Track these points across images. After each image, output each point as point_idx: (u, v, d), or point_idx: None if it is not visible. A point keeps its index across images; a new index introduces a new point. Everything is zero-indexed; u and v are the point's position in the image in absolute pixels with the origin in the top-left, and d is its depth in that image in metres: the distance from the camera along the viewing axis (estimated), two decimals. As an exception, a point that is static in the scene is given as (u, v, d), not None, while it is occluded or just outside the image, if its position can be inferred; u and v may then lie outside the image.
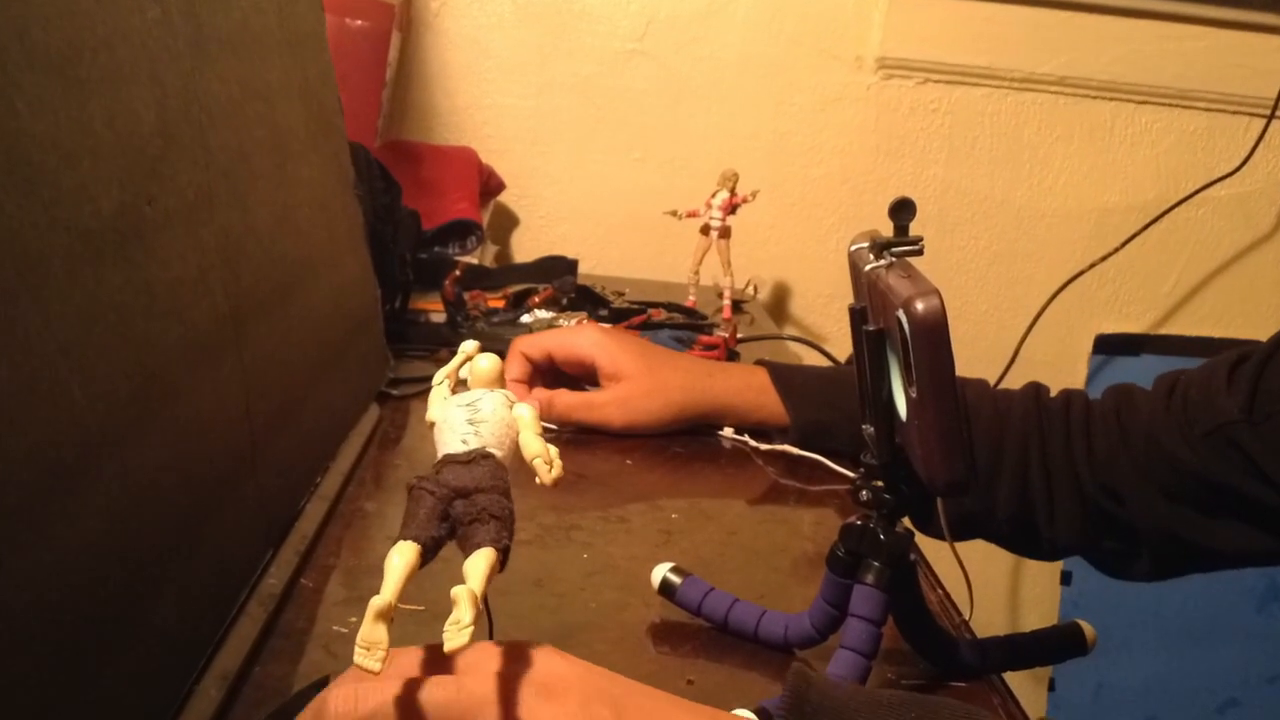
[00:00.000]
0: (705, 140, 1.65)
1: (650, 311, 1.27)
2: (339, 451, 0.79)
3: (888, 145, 1.68)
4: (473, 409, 0.44)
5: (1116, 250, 1.69)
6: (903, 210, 0.53)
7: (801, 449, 0.92)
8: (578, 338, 0.96)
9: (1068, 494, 0.79)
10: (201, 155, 0.56)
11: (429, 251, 1.36)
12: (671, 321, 1.27)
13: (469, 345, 0.48)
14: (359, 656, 0.36)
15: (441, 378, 0.48)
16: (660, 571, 0.65)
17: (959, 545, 0.73)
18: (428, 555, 0.40)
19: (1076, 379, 1.76)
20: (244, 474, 0.58)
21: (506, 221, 1.67)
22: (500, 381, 0.47)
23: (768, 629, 0.61)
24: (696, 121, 1.65)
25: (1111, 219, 1.72)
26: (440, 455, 0.44)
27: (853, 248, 0.56)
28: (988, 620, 1.76)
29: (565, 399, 0.93)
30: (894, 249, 0.52)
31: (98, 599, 0.41)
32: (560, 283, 1.28)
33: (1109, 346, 1.77)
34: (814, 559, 0.74)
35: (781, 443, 0.93)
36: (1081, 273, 1.70)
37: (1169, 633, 1.81)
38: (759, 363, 0.97)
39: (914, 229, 0.53)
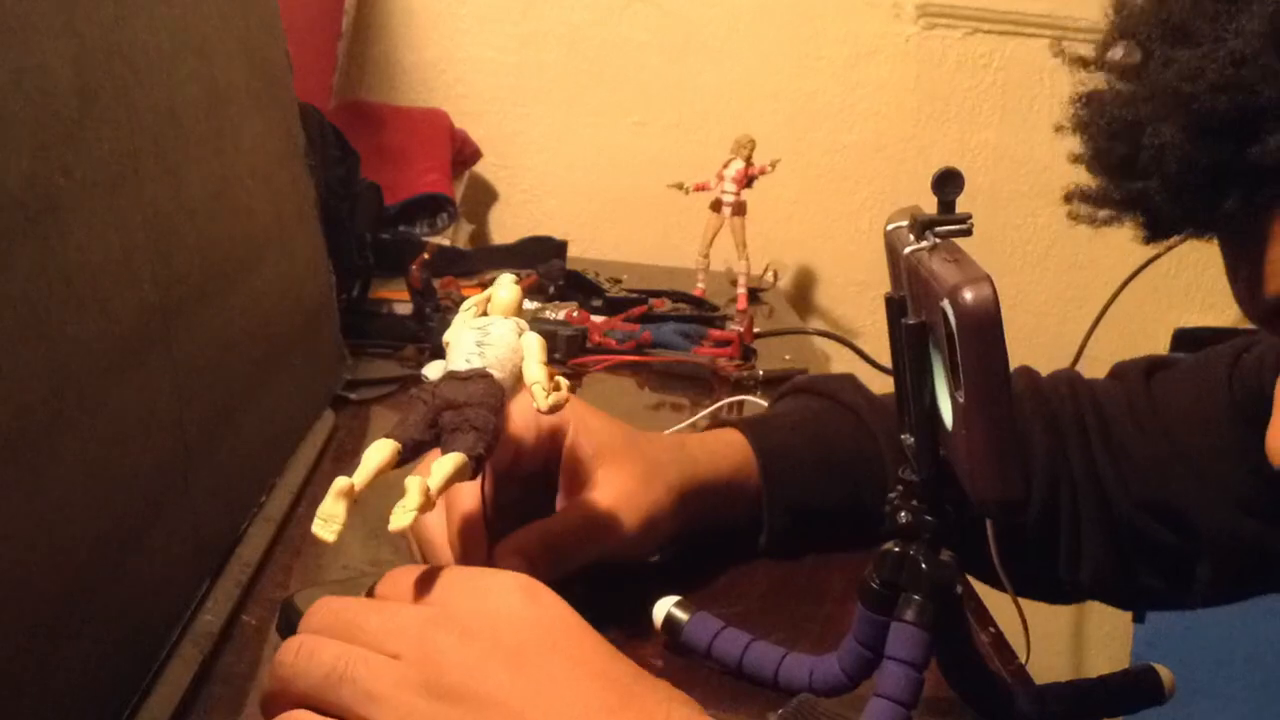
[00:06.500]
0: (716, 101, 1.65)
1: (652, 302, 1.28)
2: (286, 466, 0.79)
3: (930, 107, 1.69)
4: (483, 332, 0.55)
5: (1198, 230, 1.69)
6: (948, 183, 0.53)
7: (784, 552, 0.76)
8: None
9: (1094, 516, 0.78)
10: (126, 118, 0.56)
11: (392, 231, 1.36)
12: (677, 313, 1.27)
13: (506, 278, 0.58)
14: (316, 526, 0.45)
15: (469, 305, 0.58)
16: (664, 607, 0.65)
17: (1013, 576, 0.73)
18: (406, 455, 0.50)
19: (1151, 381, 1.77)
20: (175, 492, 0.58)
21: (483, 196, 1.67)
22: (518, 311, 0.57)
23: (790, 674, 0.61)
24: (706, 79, 1.65)
25: (1192, 193, 1.71)
26: (446, 371, 0.54)
27: (889, 227, 0.57)
28: (1047, 664, 1.76)
29: (556, 525, 0.66)
30: (938, 229, 0.53)
31: (1, 639, 0.41)
32: (547, 268, 1.28)
33: (1189, 342, 1.77)
34: (844, 592, 0.74)
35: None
36: (1157, 256, 1.69)
37: (1260, 678, 1.81)
38: (728, 424, 0.80)
39: (961, 205, 0.53)
